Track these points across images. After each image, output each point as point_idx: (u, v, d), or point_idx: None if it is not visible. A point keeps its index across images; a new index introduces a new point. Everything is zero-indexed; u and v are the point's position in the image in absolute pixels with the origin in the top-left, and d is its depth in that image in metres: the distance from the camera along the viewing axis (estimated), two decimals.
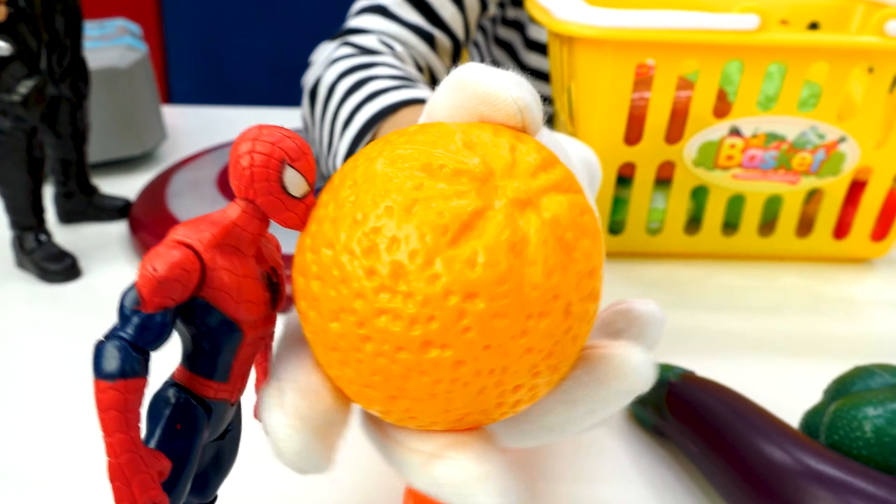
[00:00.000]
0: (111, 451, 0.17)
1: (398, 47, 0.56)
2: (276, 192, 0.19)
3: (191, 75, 1.71)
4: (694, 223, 0.50)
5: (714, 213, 0.48)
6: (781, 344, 0.41)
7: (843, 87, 0.43)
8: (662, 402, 0.31)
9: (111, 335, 0.18)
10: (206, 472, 0.22)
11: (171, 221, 0.49)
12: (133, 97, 0.61)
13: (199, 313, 0.19)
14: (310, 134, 0.54)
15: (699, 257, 0.50)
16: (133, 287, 0.18)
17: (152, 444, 0.19)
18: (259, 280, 0.20)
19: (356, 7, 0.59)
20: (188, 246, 0.18)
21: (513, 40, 0.72)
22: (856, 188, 0.49)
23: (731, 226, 0.50)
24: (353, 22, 0.58)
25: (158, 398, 0.20)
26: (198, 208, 0.51)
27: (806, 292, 0.47)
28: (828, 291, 0.47)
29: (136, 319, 0.18)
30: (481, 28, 0.76)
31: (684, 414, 0.30)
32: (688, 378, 0.32)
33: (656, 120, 0.44)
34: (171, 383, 0.20)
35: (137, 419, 0.18)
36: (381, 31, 0.56)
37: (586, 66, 0.43)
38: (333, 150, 0.48)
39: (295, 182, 0.19)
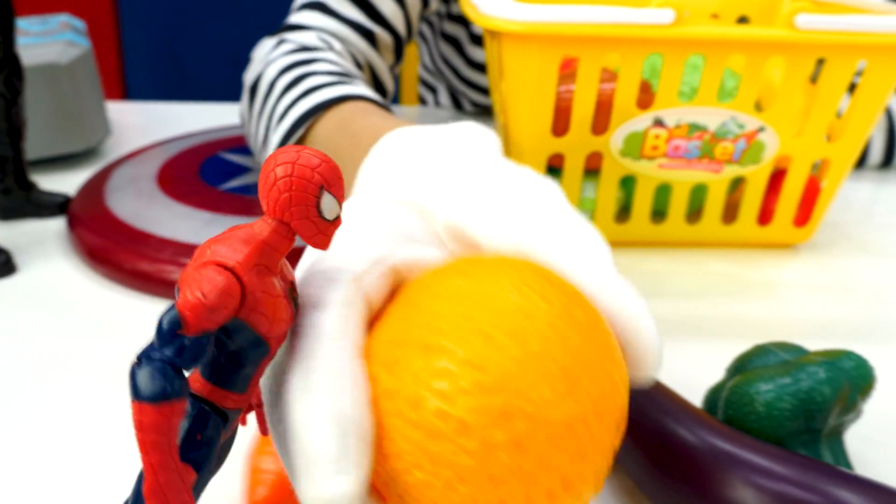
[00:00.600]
0: (150, 469, 0.17)
1: (337, 44, 0.56)
2: (312, 217, 0.19)
3: (147, 71, 1.69)
4: (624, 212, 0.51)
5: (642, 201, 0.49)
6: (701, 327, 0.43)
7: (760, 78, 0.44)
8: None
9: (148, 357, 0.17)
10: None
11: (109, 217, 0.49)
12: (74, 93, 0.61)
13: (232, 332, 0.19)
14: (246, 129, 0.55)
15: (629, 245, 0.52)
16: (174, 308, 0.18)
17: (182, 456, 0.19)
18: (287, 298, 0.20)
19: (297, 3, 0.59)
20: (229, 268, 0.18)
21: (459, 35, 0.73)
22: (778, 176, 0.51)
23: (659, 214, 0.51)
24: (293, 18, 0.58)
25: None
26: (136, 204, 0.51)
27: (730, 277, 0.49)
28: (751, 276, 0.49)
29: (177, 342, 0.17)
30: (428, 23, 0.77)
31: None
32: None
33: (582, 112, 0.45)
34: (189, 394, 0.20)
35: (176, 438, 0.18)
36: (320, 28, 0.57)
37: (513, 60, 0.44)
38: (268, 144, 0.49)
39: (330, 207, 0.20)
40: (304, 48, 0.54)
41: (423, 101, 0.88)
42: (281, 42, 0.55)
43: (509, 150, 0.48)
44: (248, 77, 0.56)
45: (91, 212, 0.50)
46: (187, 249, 0.45)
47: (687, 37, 0.42)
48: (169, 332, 0.17)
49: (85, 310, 0.43)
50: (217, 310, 0.18)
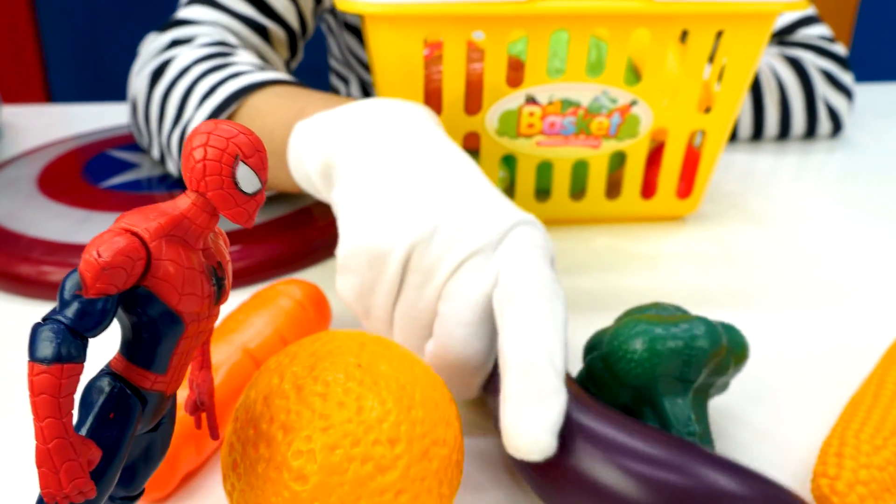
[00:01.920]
0: (40, 435, 0.17)
1: (232, 39, 0.55)
2: (227, 187, 0.19)
3: (70, 73, 1.66)
4: (508, 192, 0.51)
5: (524, 180, 0.49)
6: (586, 300, 0.43)
7: (625, 50, 0.45)
8: None
9: (49, 318, 0.17)
10: (135, 464, 0.21)
11: None
12: None
13: (140, 302, 0.19)
14: (137, 113, 0.53)
15: None
16: (75, 271, 0.18)
17: (83, 432, 0.19)
18: (204, 273, 0.20)
19: None
20: (135, 234, 0.18)
21: (360, 24, 0.72)
22: (659, 150, 0.51)
23: (543, 192, 0.51)
24: (181, 13, 0.57)
25: (93, 386, 0.19)
26: (11, 205, 0.50)
27: (616, 251, 0.49)
28: (637, 249, 0.49)
29: (76, 304, 0.17)
30: (333, 14, 0.76)
31: None
32: None
33: (453, 92, 0.45)
34: (106, 371, 0.20)
35: (70, 405, 0.17)
36: (211, 23, 0.56)
37: (378, 43, 0.44)
38: (183, 122, 0.47)
39: (247, 178, 0.19)
40: (218, 43, 0.53)
41: (335, 91, 0.87)
42: (176, 41, 0.54)
43: None
44: (148, 65, 0.54)
45: None
46: (58, 248, 0.44)
47: (546, 11, 0.42)
48: (70, 293, 0.17)
49: None
50: (110, 269, 0.17)
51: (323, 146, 0.34)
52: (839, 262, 0.48)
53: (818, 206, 0.57)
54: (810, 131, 0.69)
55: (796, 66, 0.66)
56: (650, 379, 0.28)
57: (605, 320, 0.41)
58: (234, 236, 0.46)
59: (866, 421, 0.30)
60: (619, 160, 0.52)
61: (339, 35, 0.77)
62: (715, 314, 0.41)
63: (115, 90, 1.65)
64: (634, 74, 0.50)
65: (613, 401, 0.30)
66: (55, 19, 1.62)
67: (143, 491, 0.22)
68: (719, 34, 0.46)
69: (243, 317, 0.33)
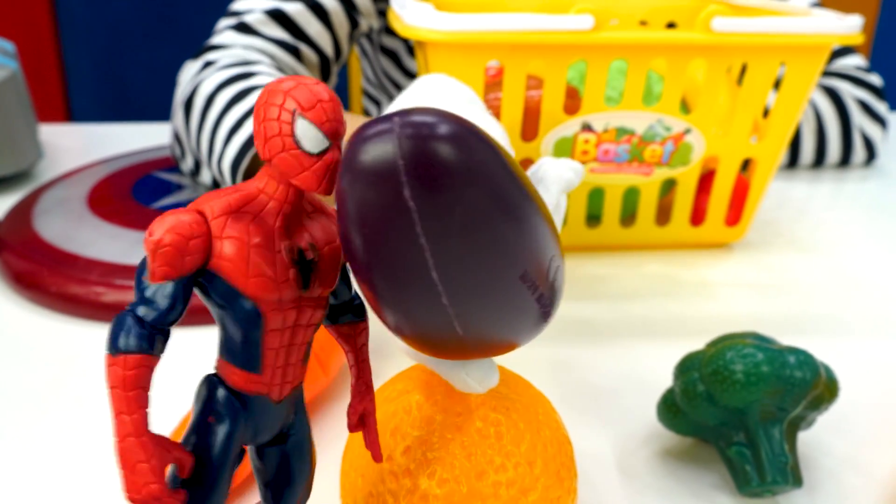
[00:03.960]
0: (115, 432, 0.16)
1: (265, 59, 0.56)
2: (289, 148, 0.17)
3: (91, 93, 1.67)
4: None
5: (577, 206, 0.50)
6: (640, 328, 0.43)
7: (682, 81, 0.45)
8: None
9: (126, 309, 0.16)
10: (276, 484, 0.19)
11: (37, 241, 0.48)
12: (3, 116, 0.59)
13: (210, 285, 0.17)
14: (183, 145, 0.54)
15: (566, 250, 0.52)
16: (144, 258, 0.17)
17: (182, 438, 0.18)
18: (279, 253, 0.17)
19: (220, 25, 0.59)
20: (198, 211, 0.17)
21: (397, 48, 0.73)
22: (708, 177, 0.52)
23: (594, 218, 0.52)
24: (215, 39, 0.58)
25: (198, 389, 0.18)
26: (64, 226, 0.50)
27: (665, 278, 0.49)
28: (686, 276, 0.50)
29: (141, 291, 0.16)
30: (368, 38, 0.77)
31: None
32: None
33: (510, 118, 0.45)
34: (208, 374, 0.18)
35: (143, 401, 0.16)
36: (244, 46, 0.56)
37: (439, 69, 0.44)
38: (217, 156, 0.48)
39: (308, 135, 0.17)
40: (239, 63, 0.54)
41: (367, 113, 0.87)
42: (208, 63, 0.55)
43: None
44: (179, 96, 0.55)
45: (18, 236, 0.49)
46: (116, 270, 0.44)
47: (607, 42, 0.43)
48: (137, 281, 0.16)
49: (13, 336, 0.41)
50: (165, 248, 0.16)
51: None
52: (888, 290, 0.48)
53: (857, 234, 0.57)
54: (845, 159, 0.70)
55: (833, 95, 0.67)
56: (750, 403, 0.28)
57: (660, 347, 0.41)
58: None
59: None
60: (667, 187, 0.52)
61: (374, 58, 0.78)
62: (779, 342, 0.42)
63: (136, 110, 1.66)
64: (683, 106, 0.51)
65: (705, 421, 0.30)
66: (77, 39, 1.64)
67: None
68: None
69: None
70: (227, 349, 0.18)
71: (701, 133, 0.47)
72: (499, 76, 0.46)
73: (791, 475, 0.28)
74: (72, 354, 0.40)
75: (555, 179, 0.26)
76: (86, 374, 0.38)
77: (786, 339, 0.42)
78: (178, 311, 0.16)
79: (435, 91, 0.30)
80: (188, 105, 0.53)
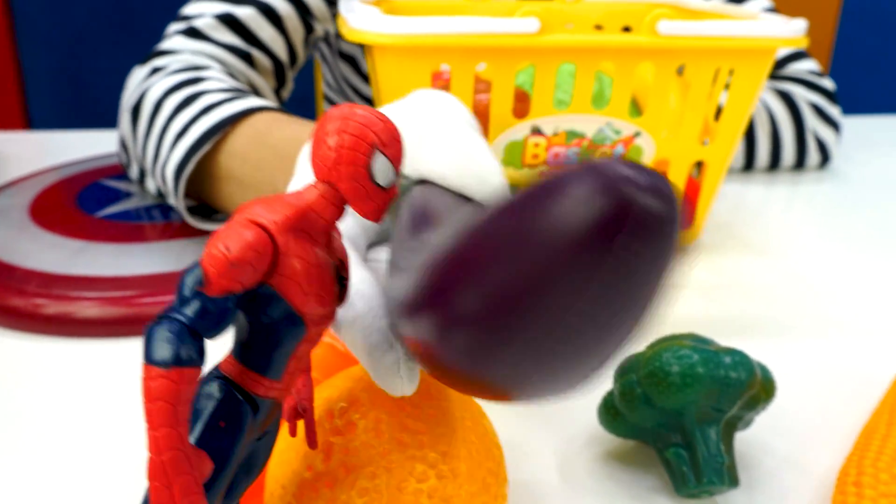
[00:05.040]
0: (154, 446, 0.15)
1: (216, 65, 0.55)
2: (361, 179, 0.17)
3: (50, 100, 1.64)
4: None
5: None
6: None
7: (631, 84, 0.45)
8: None
9: (166, 316, 0.16)
10: (236, 476, 0.19)
11: None
12: None
13: (263, 302, 0.17)
14: (129, 152, 0.53)
15: None
16: (198, 266, 0.16)
17: (192, 442, 0.17)
18: (329, 272, 0.18)
19: (169, 30, 0.58)
20: (261, 226, 0.17)
21: (355, 53, 0.73)
22: None
23: None
24: (164, 44, 0.57)
25: (202, 391, 0.18)
26: (4, 236, 0.48)
27: None
28: None
29: (197, 302, 0.16)
30: (327, 42, 0.76)
31: None
32: None
33: None
34: (216, 375, 0.18)
35: (187, 414, 0.15)
36: (194, 52, 0.55)
37: (385, 73, 0.44)
38: (162, 161, 0.47)
39: (384, 170, 0.18)
40: (188, 68, 0.53)
41: None
42: (156, 69, 0.54)
43: None
44: (127, 101, 0.54)
45: None
46: (55, 280, 0.43)
47: (553, 45, 0.43)
48: (190, 290, 0.16)
49: None
50: (241, 265, 0.16)
51: None
52: (836, 291, 0.48)
53: (810, 235, 0.58)
54: (800, 162, 0.71)
55: (787, 99, 0.68)
56: (686, 404, 0.28)
57: None
58: None
59: (882, 449, 0.30)
60: None
61: (334, 63, 0.77)
62: (721, 343, 0.42)
63: (95, 117, 1.63)
64: (635, 108, 0.51)
65: (643, 423, 0.30)
66: (35, 46, 1.61)
67: None
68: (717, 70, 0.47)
69: None
70: (250, 356, 0.18)
71: (651, 136, 0.47)
72: (443, 79, 0.46)
73: (727, 475, 0.28)
74: (11, 369, 0.38)
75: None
76: (24, 389, 0.37)
77: (732, 341, 0.42)
78: (229, 324, 0.16)
79: (434, 110, 0.29)
80: (135, 111, 0.52)
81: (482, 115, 0.46)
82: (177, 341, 0.15)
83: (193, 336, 0.15)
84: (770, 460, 0.32)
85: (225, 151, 0.45)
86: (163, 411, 0.15)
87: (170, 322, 0.15)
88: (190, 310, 0.16)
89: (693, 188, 0.51)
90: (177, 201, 0.46)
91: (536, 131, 0.46)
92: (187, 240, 0.49)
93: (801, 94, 0.69)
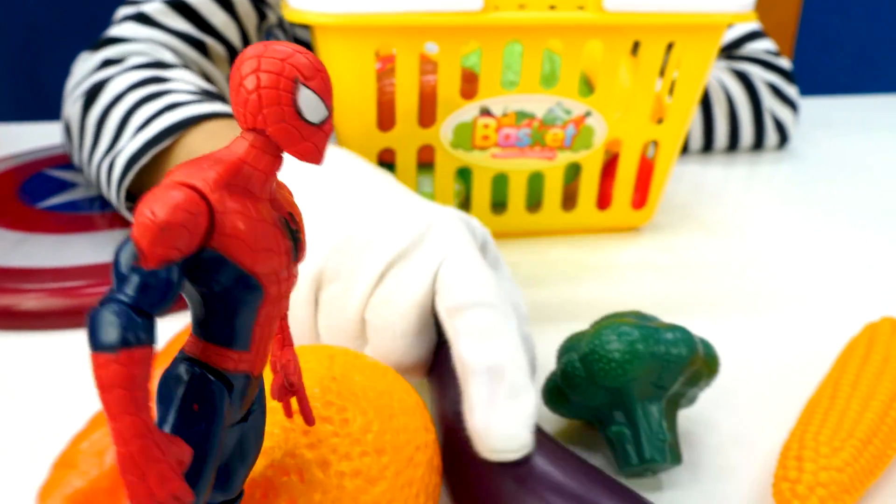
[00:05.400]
0: (119, 438, 0.14)
1: (167, 54, 0.54)
2: (289, 118, 0.16)
3: (6, 93, 1.61)
4: (464, 205, 0.51)
5: (480, 192, 0.49)
6: (541, 312, 0.42)
7: (579, 62, 0.45)
8: None
9: (107, 299, 0.15)
10: (229, 463, 0.18)
11: None
12: None
13: (209, 268, 0.16)
14: (72, 137, 0.51)
15: None
16: (129, 240, 0.15)
17: (166, 430, 0.16)
18: (277, 226, 0.17)
19: (118, 15, 0.56)
20: (190, 186, 0.16)
21: (309, 40, 0.72)
22: (614, 161, 0.51)
23: (500, 205, 0.51)
24: (114, 30, 0.55)
25: (168, 376, 0.17)
26: None
27: (572, 263, 0.49)
28: (592, 260, 0.49)
29: (135, 278, 0.15)
30: (282, 29, 0.75)
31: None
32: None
33: (406, 104, 0.44)
34: (182, 357, 0.17)
35: (147, 397, 0.14)
36: (145, 40, 0.54)
37: (328, 54, 0.43)
38: (115, 151, 0.45)
39: (311, 104, 0.16)
40: (151, 64, 0.51)
41: None
42: (109, 61, 0.52)
43: (339, 145, 0.47)
44: (78, 87, 0.52)
45: None
46: None
47: (497, 23, 0.42)
48: (126, 266, 0.15)
49: None
50: (170, 228, 0.15)
51: None
52: (790, 269, 0.48)
53: (767, 214, 0.58)
54: (758, 143, 0.71)
55: (744, 79, 0.68)
56: (627, 381, 0.28)
57: (563, 331, 0.40)
58: None
59: (824, 423, 0.30)
60: (573, 172, 0.52)
61: None
62: (674, 321, 0.41)
63: (53, 109, 1.60)
64: (588, 87, 0.50)
65: (587, 403, 0.29)
66: None
67: (243, 493, 0.19)
68: (670, 47, 0.46)
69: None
70: (211, 330, 0.17)
71: (602, 116, 0.47)
72: (392, 61, 0.45)
73: (670, 452, 0.28)
74: None
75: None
76: None
77: (679, 319, 0.42)
78: (175, 296, 0.15)
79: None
80: (90, 97, 0.49)
81: (430, 96, 0.45)
82: (121, 322, 0.14)
83: (139, 314, 0.14)
84: (715, 437, 0.32)
85: (179, 150, 0.44)
86: (120, 399, 0.14)
87: (111, 304, 0.14)
88: (130, 287, 0.15)
89: (646, 168, 0.51)
90: (117, 191, 0.45)
91: (486, 112, 0.46)
92: (127, 229, 0.48)
93: (758, 74, 0.69)
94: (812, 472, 0.28)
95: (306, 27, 0.71)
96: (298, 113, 0.16)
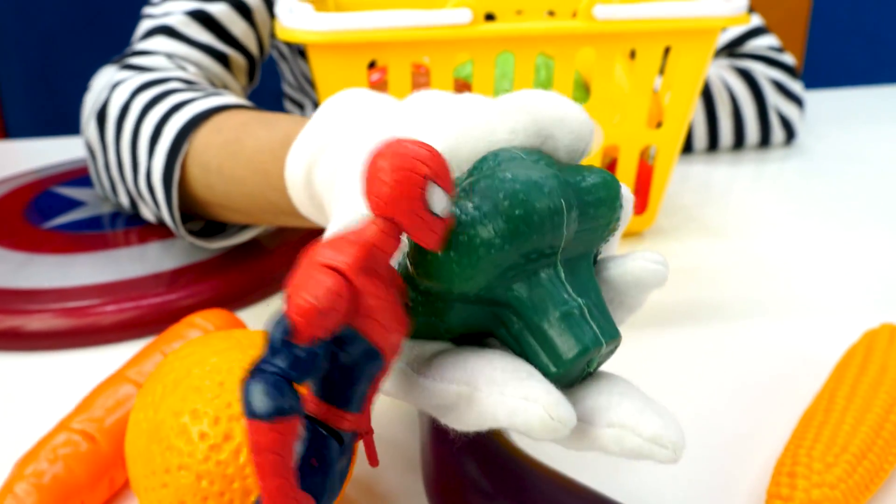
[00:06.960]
0: (269, 497, 0.16)
1: (192, 68, 0.54)
2: (420, 212, 0.18)
3: (26, 107, 1.63)
4: None
5: None
6: None
7: (572, 69, 0.45)
8: None
9: (261, 370, 0.16)
10: None
11: None
12: None
13: (343, 342, 0.18)
14: (97, 161, 0.51)
15: None
16: (283, 316, 0.16)
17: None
18: (399, 304, 0.19)
19: (141, 30, 0.56)
20: (337, 270, 0.17)
21: None
22: (612, 167, 0.51)
23: None
24: (139, 45, 0.55)
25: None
26: None
27: None
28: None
29: (289, 352, 0.16)
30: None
31: None
32: None
33: None
34: (304, 415, 0.18)
35: (293, 460, 0.16)
36: (169, 53, 0.54)
37: (321, 71, 0.43)
38: (143, 171, 0.45)
39: (440, 200, 0.18)
40: (152, 69, 0.51)
41: None
42: (123, 68, 0.52)
43: None
44: (89, 104, 0.52)
45: None
46: None
47: (487, 35, 0.42)
48: (280, 341, 0.16)
49: None
50: (328, 313, 0.16)
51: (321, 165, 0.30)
52: (796, 273, 0.48)
53: (775, 214, 0.57)
54: (764, 140, 0.70)
55: (747, 76, 0.67)
56: (487, 286, 0.19)
57: None
58: (184, 273, 0.45)
59: (818, 438, 0.30)
60: None
61: (293, 61, 0.76)
62: (674, 329, 0.41)
63: (73, 123, 1.63)
64: (586, 91, 0.50)
65: (459, 327, 0.21)
66: (8, 53, 1.60)
67: None
68: (667, 50, 0.46)
69: (145, 352, 0.33)
70: (332, 393, 0.18)
71: (597, 122, 0.47)
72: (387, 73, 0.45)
73: (599, 329, 0.19)
74: None
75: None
76: None
77: (685, 326, 0.42)
78: (321, 368, 0.17)
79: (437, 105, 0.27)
80: (101, 115, 0.49)
81: None
82: (276, 393, 0.16)
83: (291, 386, 0.16)
84: (710, 450, 0.32)
85: (194, 151, 0.43)
86: (273, 463, 0.16)
87: (265, 375, 0.16)
88: (282, 360, 0.16)
89: (646, 172, 0.51)
90: (170, 215, 0.44)
91: None
92: (132, 248, 0.48)
93: (762, 71, 0.68)
94: (805, 489, 0.28)
95: (286, 42, 0.71)
96: (428, 207, 0.18)
